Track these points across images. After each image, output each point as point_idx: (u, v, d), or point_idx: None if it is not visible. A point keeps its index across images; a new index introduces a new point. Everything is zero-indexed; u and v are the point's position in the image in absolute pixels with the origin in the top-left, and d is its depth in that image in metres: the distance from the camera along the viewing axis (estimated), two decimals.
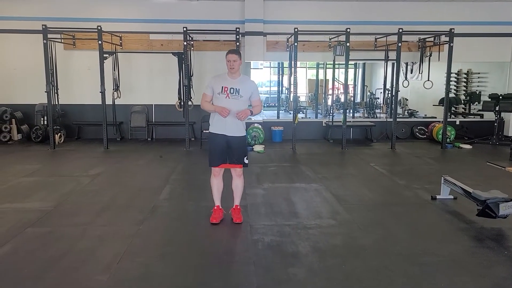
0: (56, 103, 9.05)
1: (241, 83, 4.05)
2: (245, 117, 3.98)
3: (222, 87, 4.00)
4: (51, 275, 3.13)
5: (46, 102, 8.62)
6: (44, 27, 8.32)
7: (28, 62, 9.60)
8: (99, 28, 8.27)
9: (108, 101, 8.84)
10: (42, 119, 9.45)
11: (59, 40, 9.24)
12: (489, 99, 9.65)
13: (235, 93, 4.00)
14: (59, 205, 4.80)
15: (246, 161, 4.23)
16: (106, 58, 8.57)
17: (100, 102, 8.47)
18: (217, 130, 4.10)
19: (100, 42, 8.32)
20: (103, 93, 8.43)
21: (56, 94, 9.04)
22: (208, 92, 4.09)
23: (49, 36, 8.54)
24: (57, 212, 4.59)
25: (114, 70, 9.25)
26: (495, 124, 9.38)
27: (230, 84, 4.01)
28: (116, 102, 9.39)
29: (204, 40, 9.66)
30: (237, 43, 8.67)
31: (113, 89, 9.26)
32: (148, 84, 10.08)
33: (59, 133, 9.13)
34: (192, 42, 9.41)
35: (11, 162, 7.21)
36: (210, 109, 4.08)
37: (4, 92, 9.64)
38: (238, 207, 4.34)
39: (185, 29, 8.56)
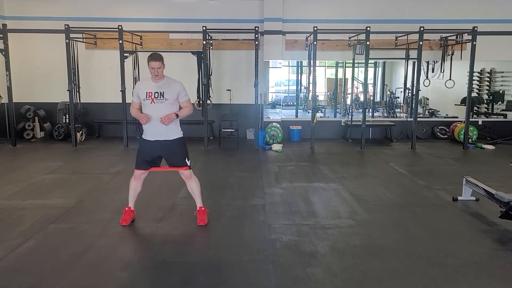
0: (78, 101, 9.24)
1: (165, 86, 3.98)
2: (169, 121, 3.90)
3: (147, 92, 3.96)
4: (73, 270, 3.20)
5: (68, 100, 8.80)
6: (66, 27, 8.48)
7: (50, 61, 9.81)
8: (120, 27, 8.39)
9: (129, 99, 8.92)
10: (64, 117, 9.63)
11: (81, 40, 9.41)
12: None
13: (160, 97, 3.94)
14: (80, 202, 4.89)
15: (188, 162, 4.16)
16: (126, 57, 8.68)
17: (120, 101, 8.58)
18: (146, 136, 4.08)
19: (120, 41, 8.44)
20: (123, 91, 8.55)
21: (77, 93, 9.24)
22: (135, 99, 4.09)
23: (71, 35, 8.71)
24: (78, 209, 4.68)
25: (134, 69, 9.36)
26: None
27: (154, 89, 3.96)
28: None
29: (223, 39, 9.69)
30: (256, 42, 8.68)
31: (133, 88, 9.35)
32: None
33: (81, 131, 9.29)
34: (211, 41, 9.46)
35: (34, 160, 7.38)
36: (134, 116, 4.08)
37: (28, 90, 9.86)
38: (202, 208, 4.28)
39: (204, 28, 8.60)
